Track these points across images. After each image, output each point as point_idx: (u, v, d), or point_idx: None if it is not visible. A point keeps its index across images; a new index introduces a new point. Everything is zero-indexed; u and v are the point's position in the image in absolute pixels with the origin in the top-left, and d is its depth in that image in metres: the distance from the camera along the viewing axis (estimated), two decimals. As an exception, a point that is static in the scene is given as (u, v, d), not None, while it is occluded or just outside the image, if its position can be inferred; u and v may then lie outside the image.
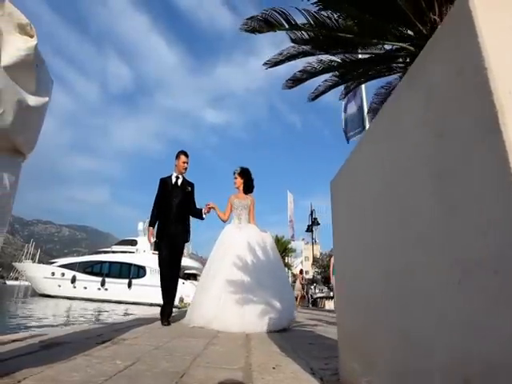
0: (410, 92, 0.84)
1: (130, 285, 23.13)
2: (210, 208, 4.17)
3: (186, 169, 4.13)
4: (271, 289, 3.55)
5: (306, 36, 2.80)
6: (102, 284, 23.39)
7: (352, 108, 8.47)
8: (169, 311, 3.81)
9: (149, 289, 20.87)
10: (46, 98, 1.38)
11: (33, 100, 1.28)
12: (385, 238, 0.94)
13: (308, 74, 3.60)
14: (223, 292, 3.46)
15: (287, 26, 2.73)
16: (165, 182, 4.10)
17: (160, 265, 3.90)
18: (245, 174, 4.36)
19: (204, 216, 4.15)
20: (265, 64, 3.58)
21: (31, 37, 1.27)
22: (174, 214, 3.95)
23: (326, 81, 3.82)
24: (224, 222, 4.22)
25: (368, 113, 4.52)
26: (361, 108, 8.12)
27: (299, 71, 3.70)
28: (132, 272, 23.77)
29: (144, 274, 23.31)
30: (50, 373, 1.37)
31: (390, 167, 0.92)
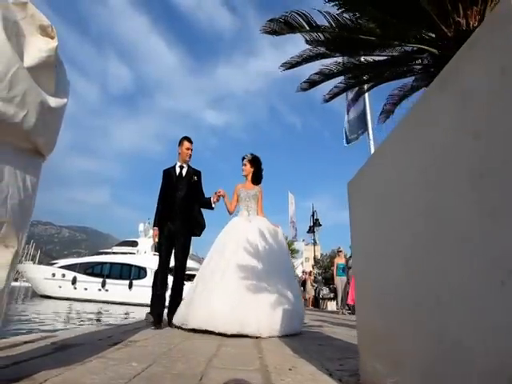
0: (443, 93, 0.83)
1: (130, 286, 23.10)
2: (219, 196, 3.78)
3: (190, 156, 3.75)
4: (286, 290, 3.26)
5: (322, 37, 2.80)
6: (103, 285, 23.36)
7: (354, 111, 8.48)
8: (170, 317, 3.49)
9: (149, 290, 20.80)
10: (65, 100, 1.38)
11: (53, 101, 1.28)
12: (415, 238, 0.94)
13: (324, 76, 3.60)
14: (235, 291, 3.02)
15: (308, 28, 2.73)
16: (168, 174, 3.74)
17: (160, 265, 3.56)
18: (256, 162, 3.97)
19: (213, 205, 3.76)
20: (282, 66, 3.58)
21: (52, 38, 1.27)
22: (179, 209, 3.61)
23: (341, 82, 3.81)
24: (230, 213, 3.86)
25: (380, 114, 4.53)
26: (363, 111, 8.13)
27: (315, 73, 3.69)
28: (133, 273, 23.74)
29: (145, 275, 23.27)
30: (69, 375, 1.36)
31: (422, 168, 0.92)
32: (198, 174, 3.83)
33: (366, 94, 8.25)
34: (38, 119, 1.18)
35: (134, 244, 25.97)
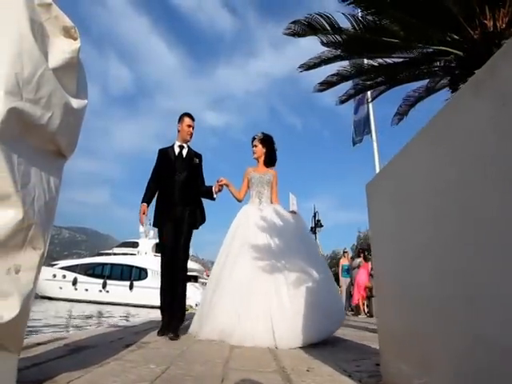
0: (477, 96, 0.83)
1: (131, 287, 23.07)
2: (221, 185, 3.19)
3: (191, 135, 3.24)
4: (315, 287, 2.71)
5: (340, 39, 2.81)
6: (104, 286, 23.32)
7: (360, 113, 8.52)
8: (175, 324, 2.89)
9: (150, 291, 20.80)
10: (86, 101, 1.38)
11: (75, 103, 1.28)
12: (443, 239, 0.94)
13: (341, 78, 3.61)
14: (246, 294, 2.62)
15: (330, 30, 2.74)
16: (166, 154, 3.20)
17: (165, 264, 2.99)
18: (268, 141, 3.44)
19: (215, 196, 3.19)
20: (300, 67, 3.59)
21: (75, 39, 1.27)
22: (179, 193, 3.05)
23: (357, 84, 3.82)
24: (239, 201, 3.38)
25: (394, 116, 4.53)
26: (367, 113, 8.17)
27: (332, 75, 3.70)
28: (133, 274, 23.71)
29: (145, 276, 23.25)
30: (90, 377, 1.36)
31: (451, 169, 0.92)
32: (199, 157, 3.30)
33: (369, 95, 8.28)
34: (62, 120, 1.18)
35: (135, 245, 25.93)
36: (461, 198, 0.87)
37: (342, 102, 4.34)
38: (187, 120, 3.24)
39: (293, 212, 3.33)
